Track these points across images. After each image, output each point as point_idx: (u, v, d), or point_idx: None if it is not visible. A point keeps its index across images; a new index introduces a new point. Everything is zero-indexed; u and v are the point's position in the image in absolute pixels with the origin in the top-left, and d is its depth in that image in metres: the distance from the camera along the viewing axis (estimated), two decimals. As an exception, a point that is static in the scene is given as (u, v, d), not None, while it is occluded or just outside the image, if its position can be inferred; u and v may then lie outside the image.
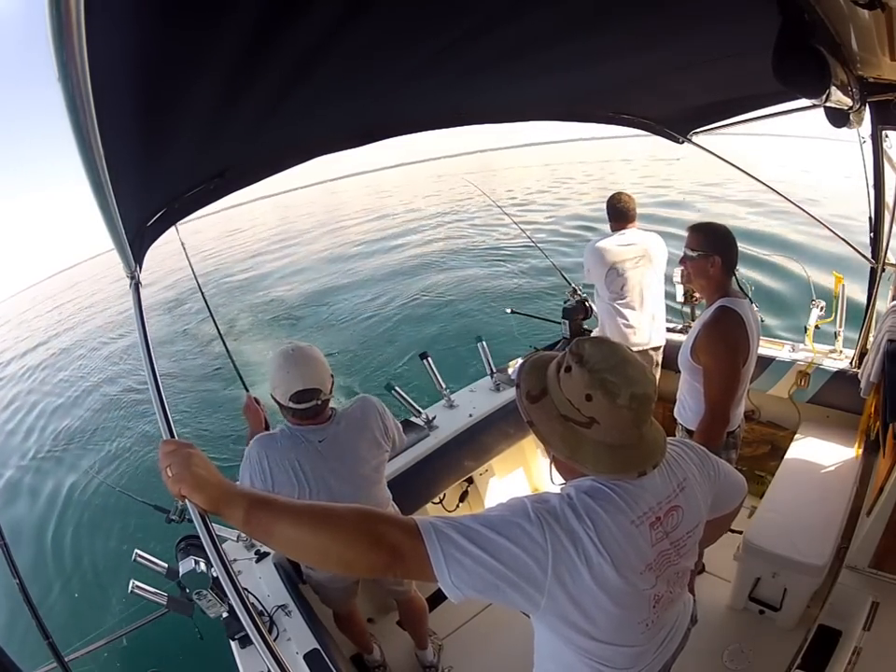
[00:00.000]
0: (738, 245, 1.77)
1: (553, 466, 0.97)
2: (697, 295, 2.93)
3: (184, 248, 2.91)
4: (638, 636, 0.90)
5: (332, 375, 1.67)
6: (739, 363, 1.69)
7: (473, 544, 0.77)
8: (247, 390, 2.30)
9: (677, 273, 2.71)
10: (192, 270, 3.24)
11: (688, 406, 1.89)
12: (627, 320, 2.79)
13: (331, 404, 1.75)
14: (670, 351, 2.82)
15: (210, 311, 3.27)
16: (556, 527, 0.80)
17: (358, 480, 1.70)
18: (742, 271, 3.15)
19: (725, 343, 1.68)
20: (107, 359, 10.88)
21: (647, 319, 2.80)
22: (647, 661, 0.96)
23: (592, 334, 3.31)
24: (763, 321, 2.84)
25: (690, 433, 1.88)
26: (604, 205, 2.81)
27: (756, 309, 2.79)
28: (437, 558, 0.76)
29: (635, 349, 2.73)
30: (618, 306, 2.80)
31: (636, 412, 0.82)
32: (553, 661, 0.97)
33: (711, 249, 1.73)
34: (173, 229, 1.30)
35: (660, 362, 2.93)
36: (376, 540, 0.76)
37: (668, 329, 3.06)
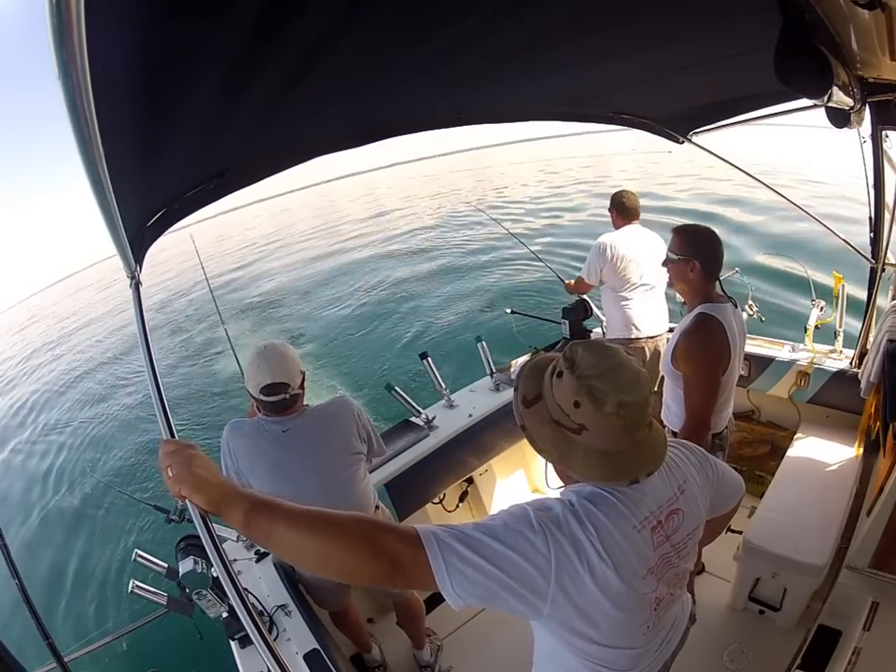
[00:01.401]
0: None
1: (552, 469, 0.96)
2: None
3: (196, 252, 2.95)
4: (640, 637, 0.90)
5: (304, 372, 1.73)
6: (719, 372, 1.68)
7: (475, 553, 0.77)
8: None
9: None
10: (204, 271, 3.28)
11: (672, 410, 1.89)
12: (632, 310, 2.87)
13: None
14: None
15: (219, 313, 3.30)
16: (559, 535, 0.79)
17: (328, 475, 1.71)
18: (742, 270, 3.16)
19: (704, 352, 1.67)
20: (107, 359, 10.89)
21: (650, 310, 2.89)
22: (647, 661, 0.96)
23: (592, 333, 3.31)
24: (762, 320, 2.86)
25: (675, 436, 1.88)
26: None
27: (755, 308, 2.81)
28: (439, 568, 0.76)
29: (641, 337, 2.86)
30: (623, 296, 2.88)
31: (624, 419, 0.80)
32: (554, 663, 0.97)
33: (691, 253, 1.71)
34: (174, 231, 1.30)
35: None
36: (376, 550, 0.76)
37: (668, 330, 3.07)
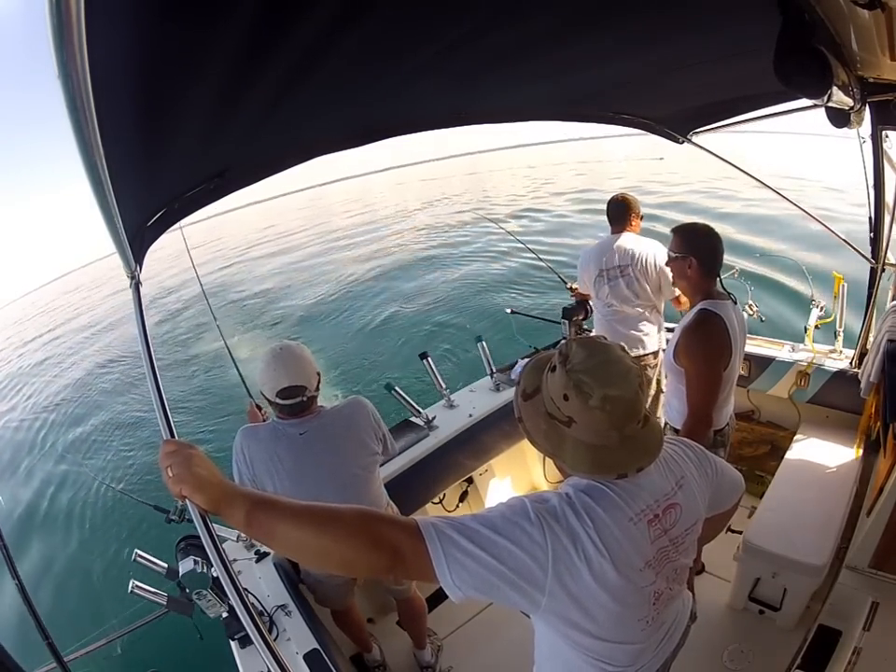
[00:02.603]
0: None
1: (551, 467, 0.97)
2: None
3: (188, 251, 2.94)
4: (638, 633, 0.91)
5: (319, 373, 1.71)
6: (719, 368, 1.69)
7: (474, 544, 0.77)
8: (250, 395, 2.32)
9: None
10: (196, 273, 3.27)
11: (674, 407, 1.89)
12: (617, 328, 2.72)
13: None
14: None
15: (213, 315, 3.29)
16: (556, 527, 0.80)
17: (344, 476, 1.70)
18: (742, 270, 3.15)
19: (704, 348, 1.68)
20: (107, 359, 10.88)
21: (627, 328, 2.72)
22: (647, 658, 0.96)
23: (591, 334, 3.31)
24: (762, 320, 2.86)
25: (677, 432, 1.88)
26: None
27: (755, 309, 2.81)
28: (438, 559, 0.77)
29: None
30: (608, 313, 2.75)
31: (610, 414, 0.81)
32: (554, 659, 0.97)
33: (688, 251, 1.73)
34: (171, 231, 1.30)
35: (658, 366, 2.82)
36: (377, 541, 0.77)
37: (669, 330, 3.03)
